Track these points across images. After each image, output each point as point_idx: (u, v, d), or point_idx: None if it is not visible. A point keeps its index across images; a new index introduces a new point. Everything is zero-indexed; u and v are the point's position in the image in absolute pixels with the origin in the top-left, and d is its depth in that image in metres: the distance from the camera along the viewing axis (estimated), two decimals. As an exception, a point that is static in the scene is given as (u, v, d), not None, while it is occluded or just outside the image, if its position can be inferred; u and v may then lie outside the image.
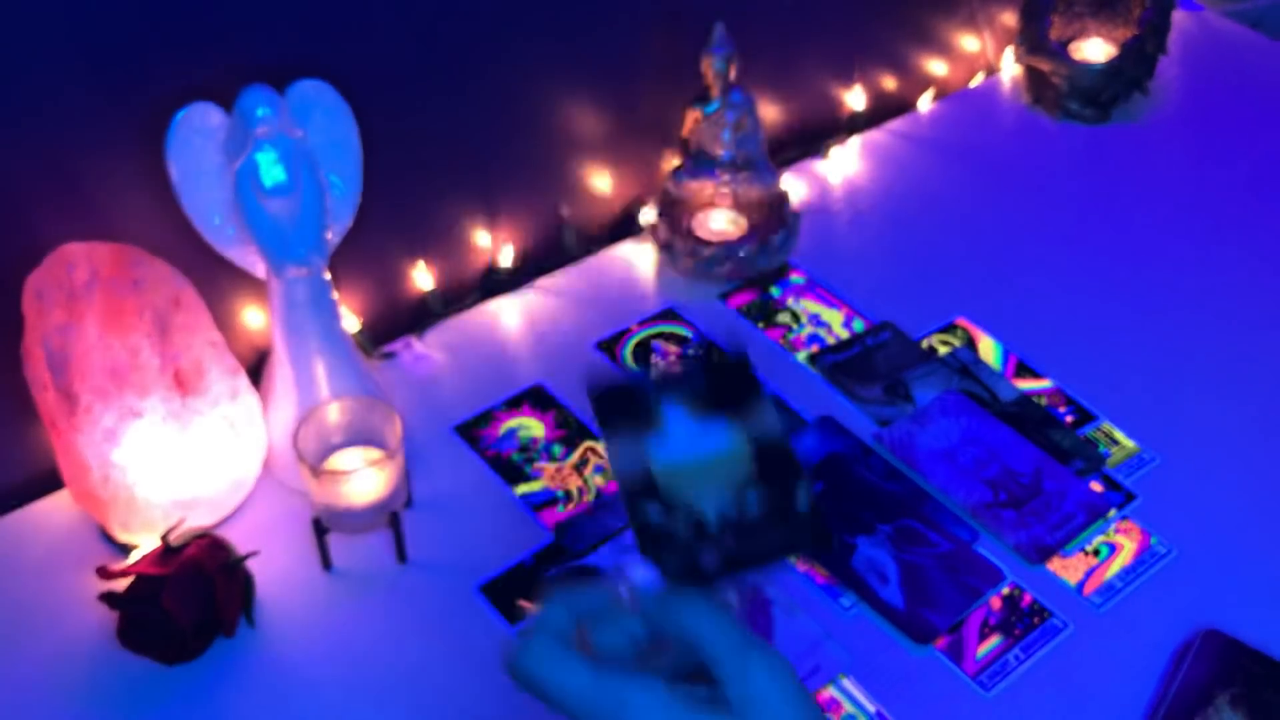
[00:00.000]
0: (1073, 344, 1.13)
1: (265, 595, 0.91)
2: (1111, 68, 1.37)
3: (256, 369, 1.03)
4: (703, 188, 1.22)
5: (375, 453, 0.94)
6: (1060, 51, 1.40)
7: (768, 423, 0.66)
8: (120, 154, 0.92)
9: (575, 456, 1.02)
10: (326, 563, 0.94)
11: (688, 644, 0.56)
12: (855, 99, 1.38)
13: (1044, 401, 1.07)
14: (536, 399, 1.07)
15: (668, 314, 1.16)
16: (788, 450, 0.65)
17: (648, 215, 1.21)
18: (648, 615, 0.57)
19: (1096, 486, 1.00)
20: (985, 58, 1.49)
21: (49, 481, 0.98)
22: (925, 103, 1.43)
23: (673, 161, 1.25)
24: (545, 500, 0.99)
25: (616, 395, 0.67)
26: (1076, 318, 1.16)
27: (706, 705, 0.54)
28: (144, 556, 0.87)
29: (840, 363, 1.10)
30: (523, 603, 0.91)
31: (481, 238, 1.17)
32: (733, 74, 1.17)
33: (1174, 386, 1.09)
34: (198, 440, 0.92)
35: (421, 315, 1.15)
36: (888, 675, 0.87)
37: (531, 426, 1.05)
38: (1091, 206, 1.29)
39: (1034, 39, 1.40)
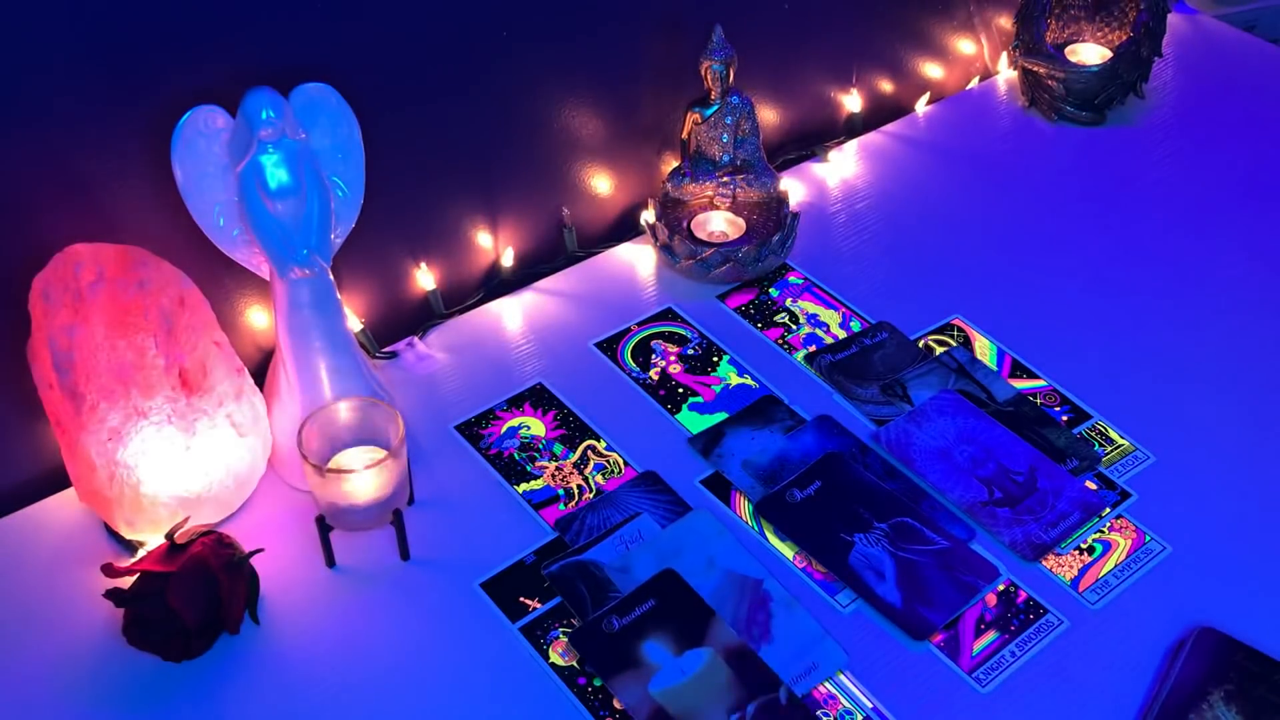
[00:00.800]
0: (1068, 344, 1.14)
1: (269, 592, 0.92)
2: (1107, 70, 1.38)
3: (261, 369, 1.04)
4: (702, 189, 1.23)
5: (378, 452, 0.94)
6: (1056, 55, 1.40)
7: (725, 634, 0.88)
8: (126, 156, 0.93)
9: (576, 455, 1.03)
10: (330, 560, 0.94)
11: None
12: (853, 102, 1.39)
13: (1039, 400, 1.08)
14: (537, 398, 1.08)
15: (667, 314, 1.17)
16: (753, 654, 0.87)
17: (647, 216, 1.22)
18: None
19: (1091, 485, 1.01)
20: (982, 61, 1.50)
21: (55, 480, 0.98)
22: (922, 105, 1.44)
23: (672, 163, 1.26)
24: (546, 498, 1.00)
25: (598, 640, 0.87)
26: (1072, 318, 1.17)
27: None
28: (149, 554, 0.88)
29: (838, 362, 1.11)
30: (524, 599, 0.92)
31: (483, 239, 1.17)
32: (732, 77, 1.18)
33: (1169, 386, 1.10)
34: (202, 439, 0.93)
35: (423, 315, 1.15)
36: (885, 671, 0.88)
37: (532, 425, 1.06)
38: (1087, 208, 1.30)
39: (1030, 42, 1.41)
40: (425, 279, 1.14)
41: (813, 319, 1.16)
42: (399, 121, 1.05)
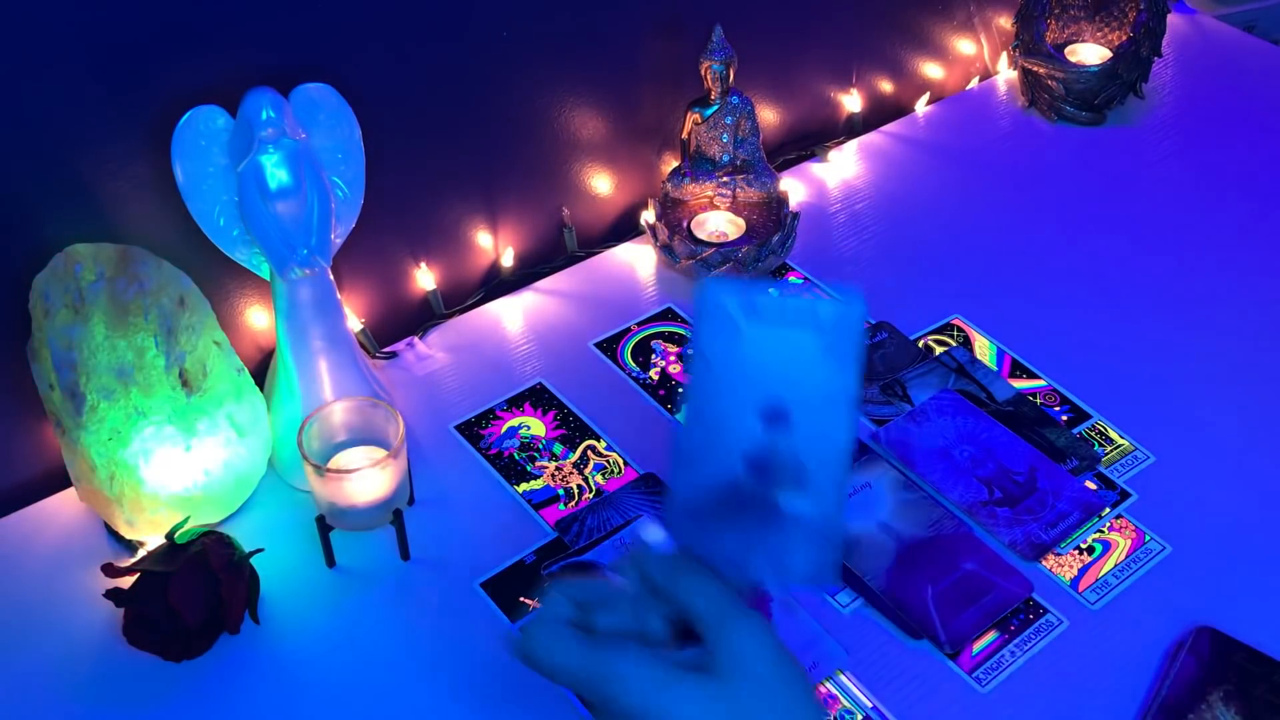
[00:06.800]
0: (1068, 343, 1.14)
1: (270, 592, 0.92)
2: (1106, 71, 1.38)
3: (261, 369, 1.04)
4: (702, 189, 1.23)
5: (378, 452, 0.94)
6: (1056, 55, 1.41)
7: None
8: (126, 156, 0.93)
9: (576, 455, 1.03)
10: (330, 560, 0.94)
11: (680, 605, 0.59)
12: (853, 102, 1.39)
13: (1039, 400, 1.08)
14: (537, 398, 1.08)
15: (667, 314, 1.17)
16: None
17: (647, 216, 1.22)
18: (649, 574, 0.60)
19: (1091, 485, 1.01)
20: (981, 61, 1.50)
21: (56, 480, 0.98)
22: (922, 105, 1.44)
23: (672, 163, 1.26)
24: (546, 498, 1.00)
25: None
26: (1071, 317, 1.17)
27: (691, 670, 0.56)
28: (149, 554, 0.88)
29: (838, 363, 1.11)
30: (525, 599, 0.92)
31: (483, 239, 1.17)
32: (731, 77, 1.18)
33: (1169, 385, 1.10)
34: (202, 439, 0.93)
35: (423, 315, 1.15)
36: (885, 671, 0.88)
37: (532, 425, 1.06)
38: (1087, 208, 1.30)
39: (1030, 42, 1.41)
40: (425, 279, 1.14)
41: (813, 319, 1.16)
42: (399, 121, 1.05)
